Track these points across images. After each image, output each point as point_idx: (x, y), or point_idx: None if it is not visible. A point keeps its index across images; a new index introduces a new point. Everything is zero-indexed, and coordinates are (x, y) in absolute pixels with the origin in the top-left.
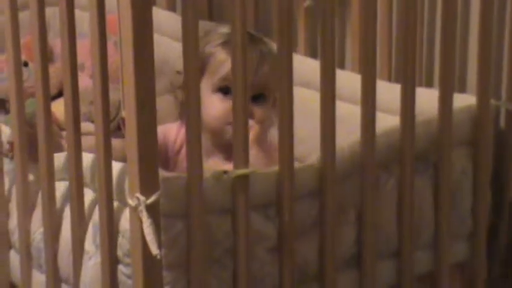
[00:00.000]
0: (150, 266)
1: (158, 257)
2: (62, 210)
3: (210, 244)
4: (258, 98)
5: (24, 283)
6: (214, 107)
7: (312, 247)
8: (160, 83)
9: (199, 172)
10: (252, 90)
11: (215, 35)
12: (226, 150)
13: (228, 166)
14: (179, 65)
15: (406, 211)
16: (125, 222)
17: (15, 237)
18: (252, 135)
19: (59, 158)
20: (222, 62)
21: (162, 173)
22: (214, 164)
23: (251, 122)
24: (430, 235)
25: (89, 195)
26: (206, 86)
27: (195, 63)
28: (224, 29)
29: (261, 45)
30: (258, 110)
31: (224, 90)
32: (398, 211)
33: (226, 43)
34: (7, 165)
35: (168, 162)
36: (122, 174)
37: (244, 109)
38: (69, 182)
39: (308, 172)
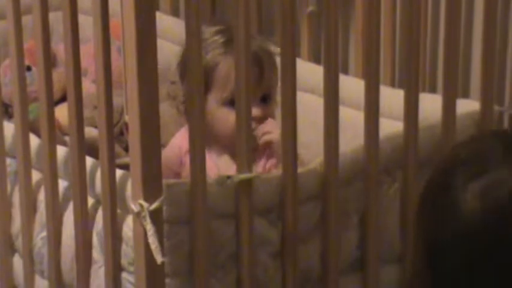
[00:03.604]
0: (153, 272)
1: (159, 262)
2: (61, 215)
3: (214, 249)
4: (265, 98)
5: None
6: (226, 120)
7: (315, 252)
8: (164, 89)
9: (203, 177)
10: (260, 91)
11: (212, 42)
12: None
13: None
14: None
15: (410, 217)
16: (127, 230)
17: (18, 241)
18: (275, 137)
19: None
20: (227, 74)
21: (165, 179)
22: (225, 162)
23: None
24: None
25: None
26: (214, 100)
27: (199, 67)
28: (216, 34)
29: (258, 45)
30: (266, 109)
31: (233, 102)
32: (401, 216)
33: (227, 52)
34: (8, 167)
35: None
36: (122, 180)
37: (247, 113)
38: (72, 189)
39: (310, 176)
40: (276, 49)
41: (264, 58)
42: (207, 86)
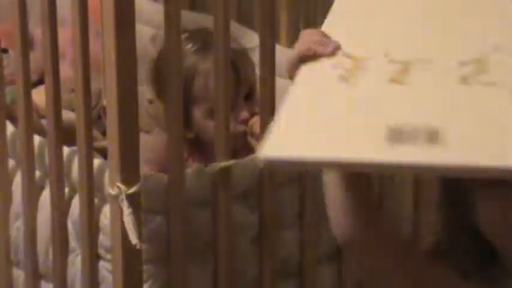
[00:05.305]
0: (130, 259)
1: (138, 246)
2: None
3: (191, 238)
4: (248, 96)
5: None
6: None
7: (296, 240)
8: (142, 73)
9: (180, 168)
10: (242, 92)
11: (184, 52)
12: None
13: None
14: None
15: (387, 204)
16: (104, 219)
17: None
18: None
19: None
20: (205, 83)
21: (142, 170)
22: None
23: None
24: (409, 228)
25: None
26: (199, 112)
27: (178, 52)
28: (187, 42)
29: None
30: (252, 107)
31: None
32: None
33: (203, 58)
34: None
35: None
36: (100, 170)
37: (225, 103)
38: (49, 173)
39: None
40: (246, 42)
41: (239, 58)
42: (189, 99)
